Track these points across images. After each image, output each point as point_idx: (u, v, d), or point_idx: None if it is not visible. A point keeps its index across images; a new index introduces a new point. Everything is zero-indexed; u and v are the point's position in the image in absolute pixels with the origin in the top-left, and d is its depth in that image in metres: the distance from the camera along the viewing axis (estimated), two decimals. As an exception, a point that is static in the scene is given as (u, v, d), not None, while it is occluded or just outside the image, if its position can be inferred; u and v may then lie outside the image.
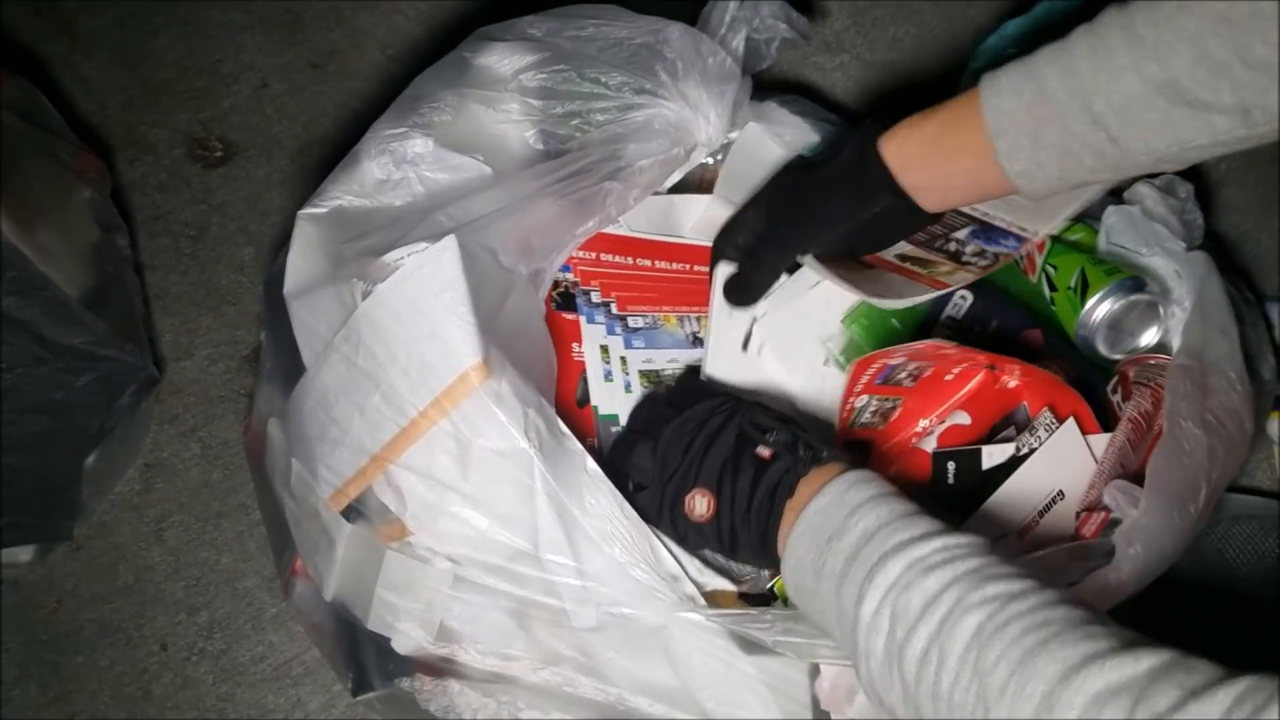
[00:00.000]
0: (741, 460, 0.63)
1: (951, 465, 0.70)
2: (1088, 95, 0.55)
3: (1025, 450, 0.71)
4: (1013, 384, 0.72)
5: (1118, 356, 0.79)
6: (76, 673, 0.93)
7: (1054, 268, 0.81)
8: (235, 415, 1.00)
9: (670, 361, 0.80)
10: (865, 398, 0.74)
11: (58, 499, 0.94)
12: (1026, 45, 0.59)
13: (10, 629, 0.94)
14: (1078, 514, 0.71)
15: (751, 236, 0.72)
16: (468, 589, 0.66)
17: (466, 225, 0.68)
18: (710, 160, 0.83)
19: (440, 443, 0.64)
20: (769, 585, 0.71)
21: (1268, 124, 0.53)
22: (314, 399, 0.71)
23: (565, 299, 0.78)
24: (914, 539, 0.52)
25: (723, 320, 0.75)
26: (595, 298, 0.79)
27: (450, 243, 0.65)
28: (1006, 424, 0.73)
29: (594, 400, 0.76)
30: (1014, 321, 0.80)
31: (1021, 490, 0.70)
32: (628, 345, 0.78)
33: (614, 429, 0.75)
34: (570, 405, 0.76)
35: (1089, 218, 0.84)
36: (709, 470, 0.64)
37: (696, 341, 0.81)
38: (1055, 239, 0.82)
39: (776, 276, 0.73)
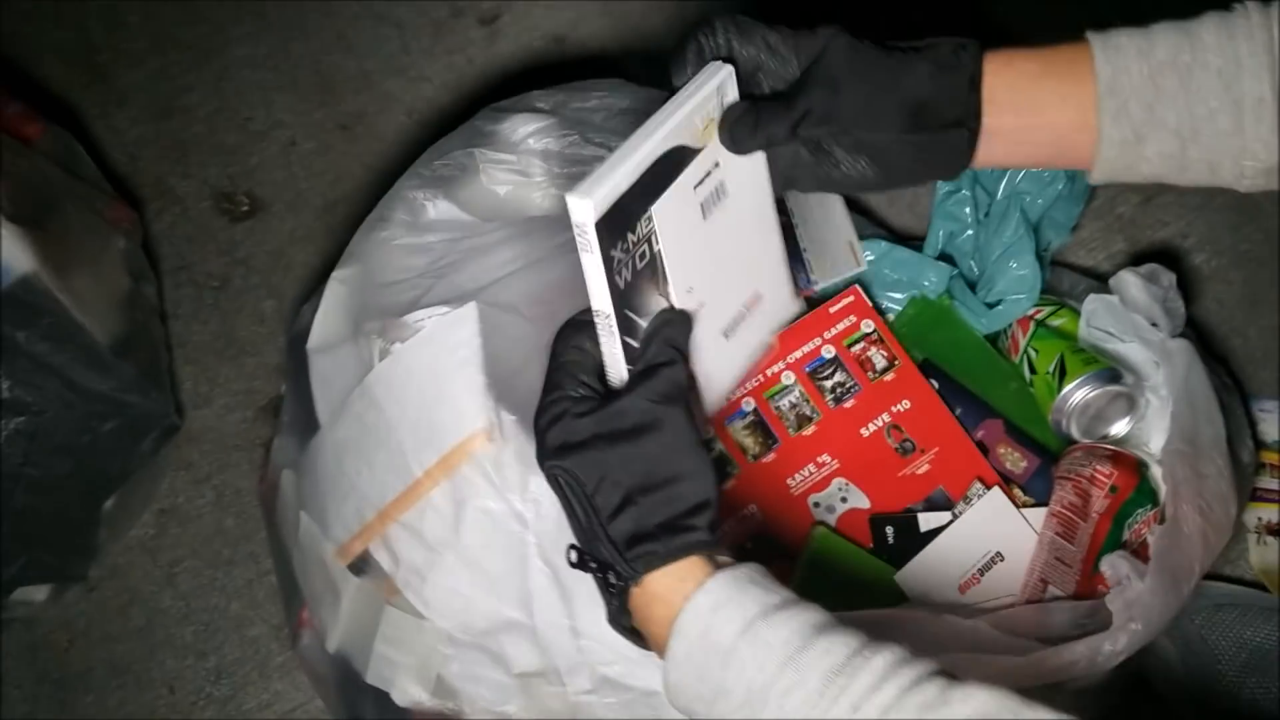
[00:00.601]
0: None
1: (890, 529, 0.77)
2: (1230, 80, 0.51)
3: (959, 515, 0.78)
4: (922, 470, 0.79)
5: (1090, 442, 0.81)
6: (85, 712, 0.94)
7: (1035, 351, 0.83)
8: (250, 464, 1.01)
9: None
10: (791, 376, 0.78)
11: (75, 540, 0.96)
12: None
13: (22, 666, 0.96)
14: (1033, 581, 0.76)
15: (778, 81, 0.57)
16: (464, 646, 0.67)
17: (488, 286, 0.70)
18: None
19: (436, 504, 0.66)
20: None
21: None
22: (327, 453, 0.73)
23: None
24: (813, 692, 0.45)
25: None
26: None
27: (471, 310, 0.66)
28: (927, 507, 0.79)
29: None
30: (974, 412, 0.84)
31: (955, 548, 0.77)
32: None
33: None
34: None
35: (1072, 300, 0.86)
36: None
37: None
38: (1039, 323, 0.84)
39: (773, 141, 0.56)
